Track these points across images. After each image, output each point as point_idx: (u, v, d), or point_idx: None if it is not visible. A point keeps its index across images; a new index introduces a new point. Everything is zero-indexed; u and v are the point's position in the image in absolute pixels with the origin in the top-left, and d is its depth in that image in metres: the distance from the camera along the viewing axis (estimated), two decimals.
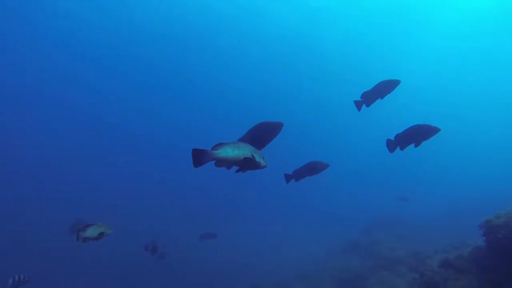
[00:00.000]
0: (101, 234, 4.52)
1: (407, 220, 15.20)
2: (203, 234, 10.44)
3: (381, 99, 5.13)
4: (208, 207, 22.49)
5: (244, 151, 2.82)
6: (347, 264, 10.80)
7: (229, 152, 2.76)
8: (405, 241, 11.92)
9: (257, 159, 2.87)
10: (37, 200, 21.28)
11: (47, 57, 23.35)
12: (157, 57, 25.24)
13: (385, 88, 5.04)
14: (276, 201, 24.67)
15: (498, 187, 16.63)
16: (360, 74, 25.56)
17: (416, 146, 4.54)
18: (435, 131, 4.46)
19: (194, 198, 23.61)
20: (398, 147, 4.63)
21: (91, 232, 4.49)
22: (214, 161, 2.77)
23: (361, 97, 5.23)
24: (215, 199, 23.33)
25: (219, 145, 2.77)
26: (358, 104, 5.28)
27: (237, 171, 3.04)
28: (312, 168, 5.17)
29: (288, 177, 5.28)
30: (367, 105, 5.26)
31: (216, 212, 21.99)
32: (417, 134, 4.46)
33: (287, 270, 12.26)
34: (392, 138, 4.64)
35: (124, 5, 19.27)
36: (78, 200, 21.17)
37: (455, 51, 22.99)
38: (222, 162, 2.80)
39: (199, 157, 2.65)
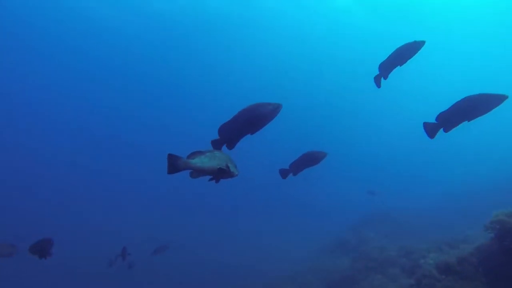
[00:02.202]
0: None
1: (395, 216, 14.80)
2: (156, 248, 9.60)
3: (401, 66, 4.42)
4: (190, 206, 21.75)
5: (219, 161, 2.77)
6: (335, 265, 10.29)
7: (205, 162, 2.71)
8: (395, 238, 11.47)
9: (231, 169, 2.82)
10: None
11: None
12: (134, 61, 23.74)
13: (406, 52, 4.30)
14: (261, 200, 24.08)
15: (484, 182, 16.45)
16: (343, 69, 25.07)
17: (469, 121, 3.64)
18: (501, 99, 3.53)
19: (175, 197, 22.75)
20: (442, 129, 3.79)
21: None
22: (189, 170, 2.71)
23: (379, 69, 4.56)
24: (197, 197, 22.53)
25: (195, 153, 2.72)
26: (377, 80, 4.63)
27: (210, 179, 2.93)
28: (310, 159, 4.76)
29: (284, 172, 4.82)
30: (385, 77, 4.58)
31: (199, 212, 21.29)
32: (473, 109, 3.50)
33: (273, 271, 11.84)
34: (428, 121, 3.82)
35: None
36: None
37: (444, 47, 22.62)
38: (198, 172, 2.74)
39: (174, 163, 2.58)
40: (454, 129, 3.91)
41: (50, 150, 28.53)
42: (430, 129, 3.89)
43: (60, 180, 26.82)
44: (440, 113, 3.78)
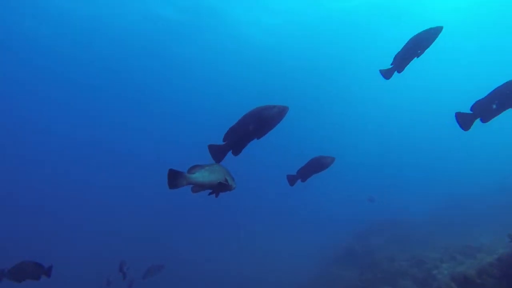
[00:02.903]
0: None
1: (401, 222, 14.36)
2: (148, 269, 8.84)
3: (418, 57, 4.07)
4: (189, 216, 21.28)
5: (219, 175, 2.76)
6: (343, 276, 9.85)
7: (206, 176, 2.68)
8: (403, 246, 11.04)
9: (230, 182, 2.81)
10: None
11: None
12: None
13: (422, 40, 3.94)
14: (262, 207, 23.63)
15: (493, 185, 16.04)
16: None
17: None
18: None
19: (172, 208, 22.19)
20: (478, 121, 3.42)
21: None
22: (191, 185, 2.69)
23: (393, 62, 4.21)
24: (196, 206, 22.07)
25: (195, 167, 2.68)
26: (386, 73, 4.31)
27: (210, 194, 2.90)
28: (319, 165, 4.64)
29: (292, 178, 4.69)
30: (399, 71, 4.23)
31: (197, 221, 20.85)
32: None
33: (277, 283, 11.43)
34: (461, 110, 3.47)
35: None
36: None
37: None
38: (199, 187, 2.72)
39: (175, 179, 2.54)
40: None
41: (38, 159, 28.13)
42: (464, 120, 3.52)
43: (46, 192, 26.39)
44: (476, 102, 3.40)
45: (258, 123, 3.11)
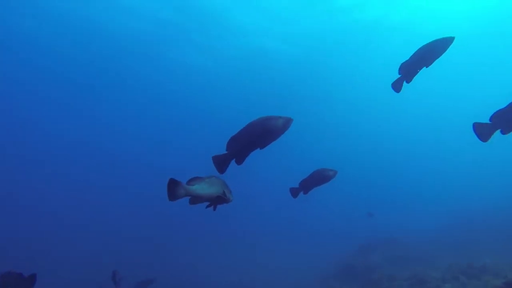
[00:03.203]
0: None
1: (401, 239, 14.08)
2: (139, 283, 8.70)
3: (427, 67, 3.91)
4: (188, 222, 20.95)
5: (217, 188, 2.80)
6: None
7: (205, 189, 2.71)
8: (404, 264, 10.79)
9: (227, 195, 2.86)
10: None
11: None
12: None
13: (432, 50, 3.79)
14: (258, 222, 23.21)
15: (489, 201, 15.76)
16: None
17: None
18: None
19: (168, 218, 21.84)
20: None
21: None
22: (189, 197, 2.70)
23: (400, 71, 4.03)
24: (195, 213, 21.65)
25: (195, 179, 2.70)
26: (395, 85, 4.17)
27: (208, 206, 2.94)
28: (321, 177, 4.65)
29: (295, 191, 4.72)
30: (408, 81, 4.05)
31: (196, 228, 20.52)
32: None
33: None
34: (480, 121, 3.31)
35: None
36: None
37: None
38: (197, 199, 2.73)
39: (175, 189, 2.52)
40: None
41: (38, 159, 27.95)
42: (483, 131, 3.35)
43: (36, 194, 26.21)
44: (496, 112, 3.24)
45: (261, 133, 3.12)
